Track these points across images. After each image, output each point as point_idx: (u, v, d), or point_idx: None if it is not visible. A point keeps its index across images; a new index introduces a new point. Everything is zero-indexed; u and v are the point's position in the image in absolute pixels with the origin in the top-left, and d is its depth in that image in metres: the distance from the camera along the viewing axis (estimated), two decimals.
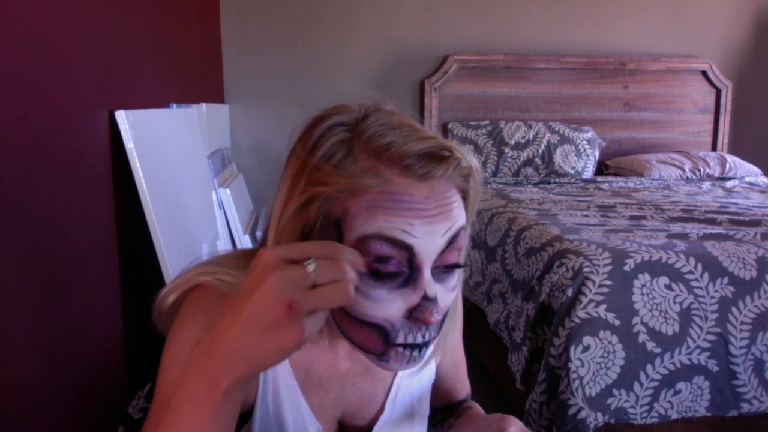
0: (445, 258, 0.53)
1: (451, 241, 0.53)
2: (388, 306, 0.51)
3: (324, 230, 0.53)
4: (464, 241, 0.55)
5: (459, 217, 0.53)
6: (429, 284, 0.52)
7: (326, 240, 0.53)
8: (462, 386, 0.83)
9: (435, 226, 0.51)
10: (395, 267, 0.51)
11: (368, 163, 0.51)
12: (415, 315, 0.51)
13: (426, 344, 0.54)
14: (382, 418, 0.69)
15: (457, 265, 0.54)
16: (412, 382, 0.72)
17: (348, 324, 0.54)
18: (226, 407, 0.42)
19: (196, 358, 0.42)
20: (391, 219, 0.50)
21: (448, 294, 0.55)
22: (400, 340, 0.52)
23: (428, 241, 0.51)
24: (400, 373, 0.71)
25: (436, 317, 0.51)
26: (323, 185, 0.51)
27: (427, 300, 0.51)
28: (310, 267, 0.41)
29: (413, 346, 0.53)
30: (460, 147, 0.55)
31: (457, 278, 0.56)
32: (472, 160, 0.56)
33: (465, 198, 0.57)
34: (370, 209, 0.50)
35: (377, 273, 0.51)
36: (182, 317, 0.58)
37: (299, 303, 0.39)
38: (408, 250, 0.50)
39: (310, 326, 0.41)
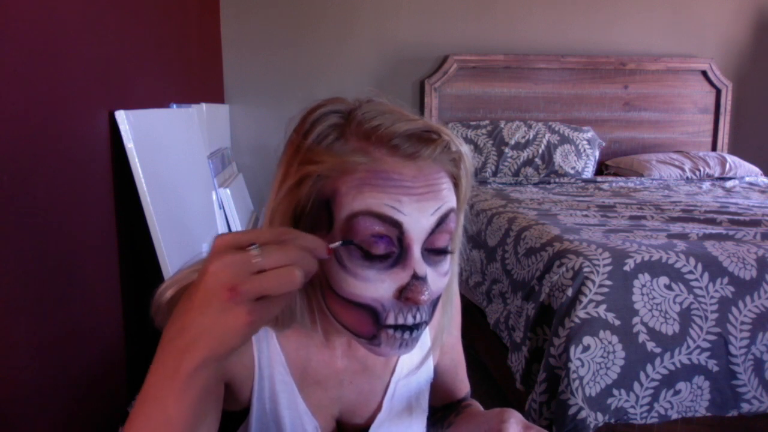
0: (435, 239, 0.53)
1: (441, 222, 0.53)
2: (378, 286, 0.51)
3: (315, 211, 0.53)
4: (454, 225, 0.55)
5: (448, 198, 0.54)
6: (419, 263, 0.52)
7: (317, 220, 0.53)
8: (462, 385, 0.83)
9: (423, 204, 0.51)
10: (385, 245, 0.51)
11: (358, 144, 0.52)
12: (405, 294, 0.51)
13: (417, 326, 0.54)
14: (380, 416, 0.69)
15: (446, 251, 0.54)
16: (409, 381, 0.72)
17: (338, 306, 0.54)
18: (190, 390, 0.42)
19: (164, 342, 0.43)
20: (379, 196, 0.50)
21: (440, 278, 0.55)
22: (391, 321, 0.52)
23: (417, 219, 0.51)
24: (397, 371, 0.71)
25: (425, 297, 0.51)
26: (314, 164, 0.52)
27: (417, 279, 0.51)
28: (254, 251, 0.41)
29: (404, 328, 0.53)
30: (449, 131, 0.55)
31: (448, 265, 0.56)
32: (461, 145, 0.56)
33: (456, 185, 0.57)
34: (358, 187, 0.51)
35: (367, 253, 0.51)
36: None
37: (240, 286, 0.39)
38: (397, 226, 0.50)
39: (259, 311, 0.40)
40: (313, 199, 0.53)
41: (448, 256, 0.56)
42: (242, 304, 0.40)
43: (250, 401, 0.63)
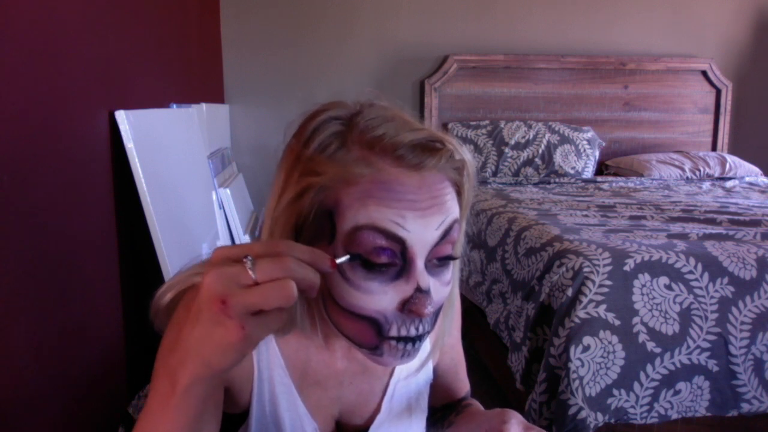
0: (439, 250, 0.53)
1: (445, 235, 0.52)
2: (380, 298, 0.51)
3: (317, 222, 0.53)
4: (458, 234, 0.55)
5: (452, 209, 0.53)
6: (422, 276, 0.51)
7: (319, 231, 0.53)
8: (462, 385, 0.83)
9: (428, 220, 0.51)
10: (388, 258, 0.50)
11: (361, 153, 0.52)
12: (408, 307, 0.51)
13: (420, 338, 0.54)
14: (379, 417, 0.69)
15: (450, 257, 0.54)
16: (408, 383, 0.72)
17: (341, 317, 0.53)
18: (187, 404, 0.42)
19: (161, 355, 0.44)
20: (383, 210, 0.50)
21: (443, 288, 0.55)
22: (394, 333, 0.52)
23: (421, 234, 0.51)
24: (396, 373, 0.71)
25: (429, 309, 0.51)
26: (316, 175, 0.52)
27: (421, 292, 0.51)
28: (248, 264, 0.39)
29: (407, 339, 0.53)
30: (453, 139, 0.55)
31: (451, 273, 0.56)
32: (465, 153, 0.55)
33: (459, 193, 0.57)
34: (362, 199, 0.50)
35: (369, 264, 0.50)
36: (176, 320, 0.57)
37: (231, 299, 0.38)
38: (400, 242, 0.50)
39: (254, 325, 0.39)
40: (315, 209, 0.52)
41: (451, 264, 0.56)
42: (235, 317, 0.38)
43: (249, 404, 0.63)
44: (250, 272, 0.39)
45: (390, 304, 0.51)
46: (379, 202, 0.50)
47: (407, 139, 0.52)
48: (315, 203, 0.52)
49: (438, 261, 0.53)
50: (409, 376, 0.71)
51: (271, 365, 0.63)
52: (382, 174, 0.51)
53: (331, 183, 0.51)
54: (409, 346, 0.53)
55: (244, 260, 0.39)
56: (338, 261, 0.47)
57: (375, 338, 0.53)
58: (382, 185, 0.50)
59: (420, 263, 0.51)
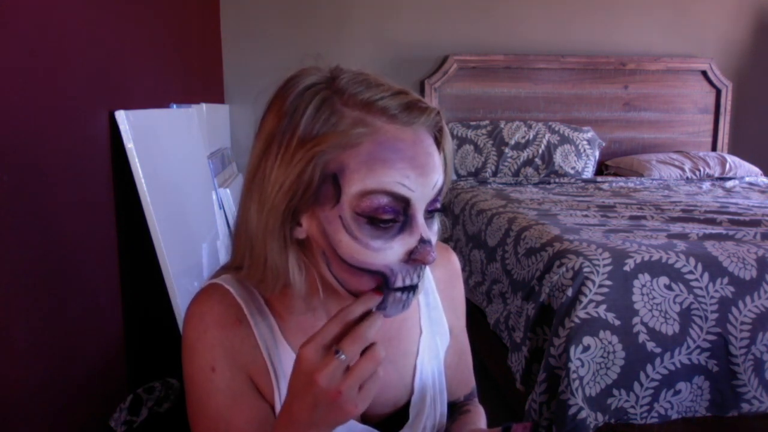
0: (431, 205, 0.58)
1: (439, 192, 0.58)
2: (387, 252, 0.55)
3: (320, 186, 0.55)
4: (444, 189, 0.60)
5: (440, 167, 0.58)
6: (424, 229, 0.56)
7: (322, 194, 0.55)
8: (465, 378, 0.83)
9: (426, 179, 0.55)
10: (393, 215, 0.54)
11: (355, 116, 0.54)
12: (414, 256, 0.56)
13: (417, 286, 0.59)
14: (414, 399, 0.71)
15: (438, 210, 0.59)
16: (431, 365, 0.74)
17: (348, 274, 0.56)
18: None
19: (280, 428, 0.55)
20: (390, 173, 0.53)
21: (434, 236, 0.59)
22: (399, 284, 0.56)
23: (421, 193, 0.55)
24: (420, 356, 0.73)
25: (434, 256, 0.56)
26: (315, 147, 0.54)
27: (424, 242, 0.56)
28: (342, 357, 0.50)
29: (410, 289, 0.57)
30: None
31: (437, 223, 0.61)
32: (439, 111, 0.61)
33: (438, 144, 0.60)
34: (368, 163, 0.53)
35: (375, 222, 0.54)
36: (190, 340, 0.63)
37: (344, 387, 0.50)
38: (405, 201, 0.54)
39: (362, 399, 0.51)
40: (317, 176, 0.54)
41: (437, 216, 0.61)
42: (349, 399, 0.50)
43: (273, 405, 0.65)
44: (344, 359, 0.50)
45: (396, 256, 0.55)
46: (384, 164, 0.53)
47: (397, 101, 0.55)
48: (316, 171, 0.54)
49: (428, 213, 0.58)
50: (431, 358, 0.73)
51: (285, 367, 0.64)
52: (380, 133, 0.54)
53: (331, 150, 0.54)
54: (410, 295, 0.58)
55: (337, 355, 0.50)
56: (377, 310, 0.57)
57: (381, 291, 0.57)
58: (385, 144, 0.54)
59: (420, 218, 0.56)
